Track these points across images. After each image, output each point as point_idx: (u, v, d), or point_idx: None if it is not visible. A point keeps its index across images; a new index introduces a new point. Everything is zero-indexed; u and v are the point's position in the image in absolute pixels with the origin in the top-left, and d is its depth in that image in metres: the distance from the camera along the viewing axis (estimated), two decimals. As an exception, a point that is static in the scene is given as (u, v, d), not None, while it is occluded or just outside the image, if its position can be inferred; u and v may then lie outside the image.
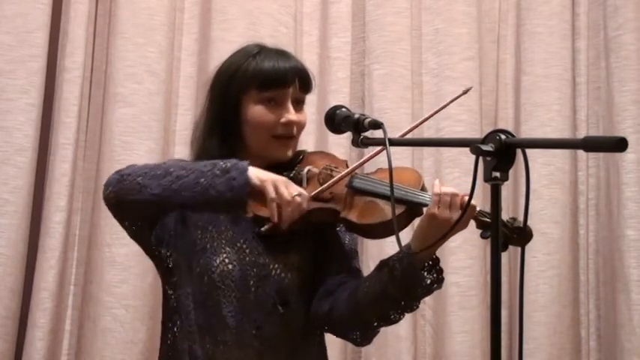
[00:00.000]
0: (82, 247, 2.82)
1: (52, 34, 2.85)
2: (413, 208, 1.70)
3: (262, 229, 1.68)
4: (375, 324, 1.72)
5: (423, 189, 1.75)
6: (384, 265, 1.69)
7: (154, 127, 2.83)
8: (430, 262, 1.67)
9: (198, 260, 1.74)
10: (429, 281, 1.65)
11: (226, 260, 1.73)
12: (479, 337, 2.90)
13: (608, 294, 3.00)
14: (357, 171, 1.78)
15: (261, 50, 1.80)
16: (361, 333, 1.75)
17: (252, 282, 1.74)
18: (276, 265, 1.76)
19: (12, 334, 2.71)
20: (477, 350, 2.90)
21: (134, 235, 1.80)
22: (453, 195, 1.62)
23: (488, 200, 1.39)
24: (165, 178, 1.63)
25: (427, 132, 3.01)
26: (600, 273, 3.04)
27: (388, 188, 1.64)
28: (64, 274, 2.76)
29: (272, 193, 1.60)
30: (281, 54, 1.81)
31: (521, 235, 1.64)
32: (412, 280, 1.64)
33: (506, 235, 1.63)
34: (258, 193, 1.61)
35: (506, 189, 2.97)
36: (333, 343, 2.72)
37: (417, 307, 1.70)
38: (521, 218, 1.63)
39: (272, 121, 1.77)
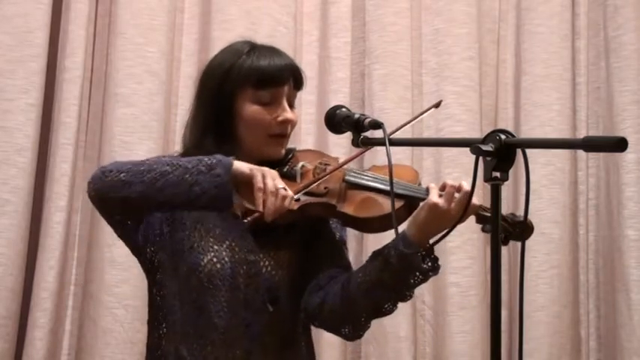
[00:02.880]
0: (82, 247, 2.82)
1: (52, 34, 2.85)
2: (412, 202, 1.70)
3: (246, 219, 1.62)
4: (367, 315, 1.71)
5: (420, 185, 1.76)
6: (378, 254, 1.68)
7: (153, 127, 2.84)
8: (424, 252, 1.64)
9: (185, 259, 1.71)
10: (424, 267, 1.64)
11: (214, 259, 1.71)
12: (479, 337, 2.90)
13: (608, 294, 3.00)
14: (352, 168, 1.78)
15: (253, 48, 1.78)
16: (352, 326, 1.73)
17: (241, 280, 1.72)
18: (267, 262, 1.75)
19: (12, 334, 2.71)
20: (476, 350, 2.90)
21: (120, 233, 1.78)
22: (457, 187, 1.62)
23: (488, 200, 1.39)
24: (149, 175, 1.61)
25: (427, 132, 3.01)
26: (600, 273, 3.04)
27: (385, 183, 1.66)
28: (64, 274, 2.76)
29: (259, 182, 1.58)
30: (274, 51, 1.80)
31: (522, 229, 1.65)
32: (408, 266, 1.63)
33: (507, 230, 1.63)
34: (245, 184, 1.59)
35: (506, 189, 2.97)
36: (333, 343, 2.73)
37: (411, 296, 1.68)
38: (521, 214, 1.64)
39: (268, 120, 1.75)
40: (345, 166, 1.77)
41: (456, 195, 1.62)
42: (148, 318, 1.83)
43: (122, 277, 2.72)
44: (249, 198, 1.60)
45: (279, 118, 1.76)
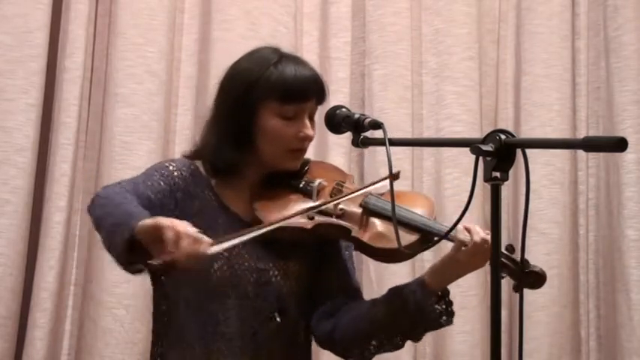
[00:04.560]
0: (82, 247, 2.82)
1: (52, 34, 2.85)
2: (427, 238, 1.70)
3: (152, 261, 1.47)
4: (378, 348, 1.74)
5: (434, 218, 1.76)
6: (395, 295, 1.71)
7: (154, 127, 2.83)
8: (440, 293, 1.70)
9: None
10: (438, 313, 1.69)
11: (224, 266, 1.70)
12: (479, 337, 2.90)
13: (608, 294, 3.00)
14: (370, 190, 1.77)
15: (280, 58, 1.76)
16: (361, 355, 1.76)
17: (250, 288, 1.73)
18: (276, 272, 1.75)
19: (12, 334, 2.71)
20: (476, 350, 2.90)
21: None
22: (484, 242, 1.63)
23: (488, 200, 1.39)
24: (104, 215, 1.61)
25: (427, 132, 3.01)
26: (600, 273, 3.04)
27: (404, 213, 1.66)
28: (64, 274, 2.76)
29: (166, 222, 1.48)
30: (300, 64, 1.78)
31: (535, 278, 1.67)
32: (423, 315, 1.68)
33: (520, 278, 1.64)
34: (156, 236, 1.47)
35: (506, 189, 2.97)
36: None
37: (421, 339, 1.75)
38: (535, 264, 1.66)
39: (290, 135, 1.74)
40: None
41: (476, 239, 1.62)
42: (152, 327, 1.82)
43: (122, 277, 2.71)
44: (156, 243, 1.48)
45: (300, 135, 1.75)
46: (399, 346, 1.74)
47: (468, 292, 2.91)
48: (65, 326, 2.78)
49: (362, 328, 1.72)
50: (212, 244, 1.50)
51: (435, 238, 1.68)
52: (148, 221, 1.50)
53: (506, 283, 2.92)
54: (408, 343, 2.81)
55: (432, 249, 1.85)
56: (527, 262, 1.66)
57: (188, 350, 1.72)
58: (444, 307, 1.69)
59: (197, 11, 2.99)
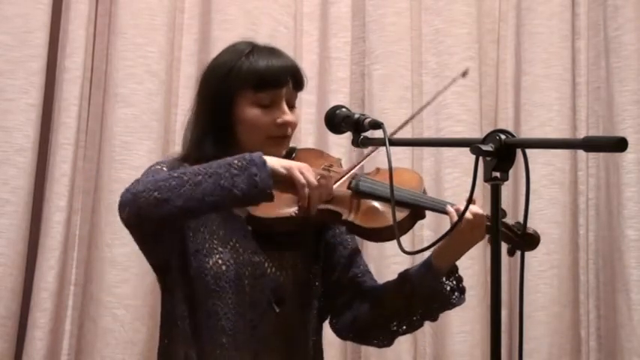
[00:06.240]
0: (82, 247, 2.82)
1: (52, 34, 2.85)
2: (417, 212, 1.71)
3: (293, 213, 1.67)
4: (398, 332, 1.81)
5: (424, 191, 1.76)
6: (405, 279, 1.77)
7: (154, 127, 2.83)
8: (448, 272, 1.76)
9: (192, 263, 1.72)
10: (449, 290, 1.75)
11: (219, 261, 1.71)
12: (479, 337, 2.90)
13: (608, 294, 3.00)
14: (356, 172, 1.78)
15: (253, 49, 1.79)
16: (384, 340, 1.84)
17: (246, 281, 1.73)
18: (271, 263, 1.75)
19: (12, 334, 2.71)
20: (476, 350, 2.90)
21: (149, 250, 1.77)
22: (476, 217, 1.68)
23: (488, 200, 1.39)
24: (184, 188, 1.58)
25: (427, 132, 3.01)
26: (600, 273, 3.04)
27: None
28: (64, 274, 2.76)
29: (301, 180, 1.63)
30: (274, 52, 1.80)
31: (529, 240, 1.68)
32: (435, 295, 1.75)
33: (515, 241, 1.66)
34: (283, 180, 1.63)
35: (506, 189, 2.96)
36: (332, 343, 2.73)
37: (438, 317, 1.81)
38: (521, 220, 1.65)
39: (267, 122, 1.75)
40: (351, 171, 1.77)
41: (469, 216, 1.66)
42: (160, 322, 1.82)
43: (122, 277, 2.72)
44: (286, 191, 1.65)
45: (279, 121, 1.76)
46: (418, 327, 1.82)
47: (468, 292, 2.85)
48: (65, 326, 2.78)
49: (380, 315, 1.79)
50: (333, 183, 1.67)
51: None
52: (279, 168, 1.62)
53: (506, 283, 2.94)
54: (408, 344, 2.86)
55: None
56: (520, 224, 1.68)
57: (192, 346, 1.73)
58: (454, 283, 1.76)
59: (197, 11, 3.00)
